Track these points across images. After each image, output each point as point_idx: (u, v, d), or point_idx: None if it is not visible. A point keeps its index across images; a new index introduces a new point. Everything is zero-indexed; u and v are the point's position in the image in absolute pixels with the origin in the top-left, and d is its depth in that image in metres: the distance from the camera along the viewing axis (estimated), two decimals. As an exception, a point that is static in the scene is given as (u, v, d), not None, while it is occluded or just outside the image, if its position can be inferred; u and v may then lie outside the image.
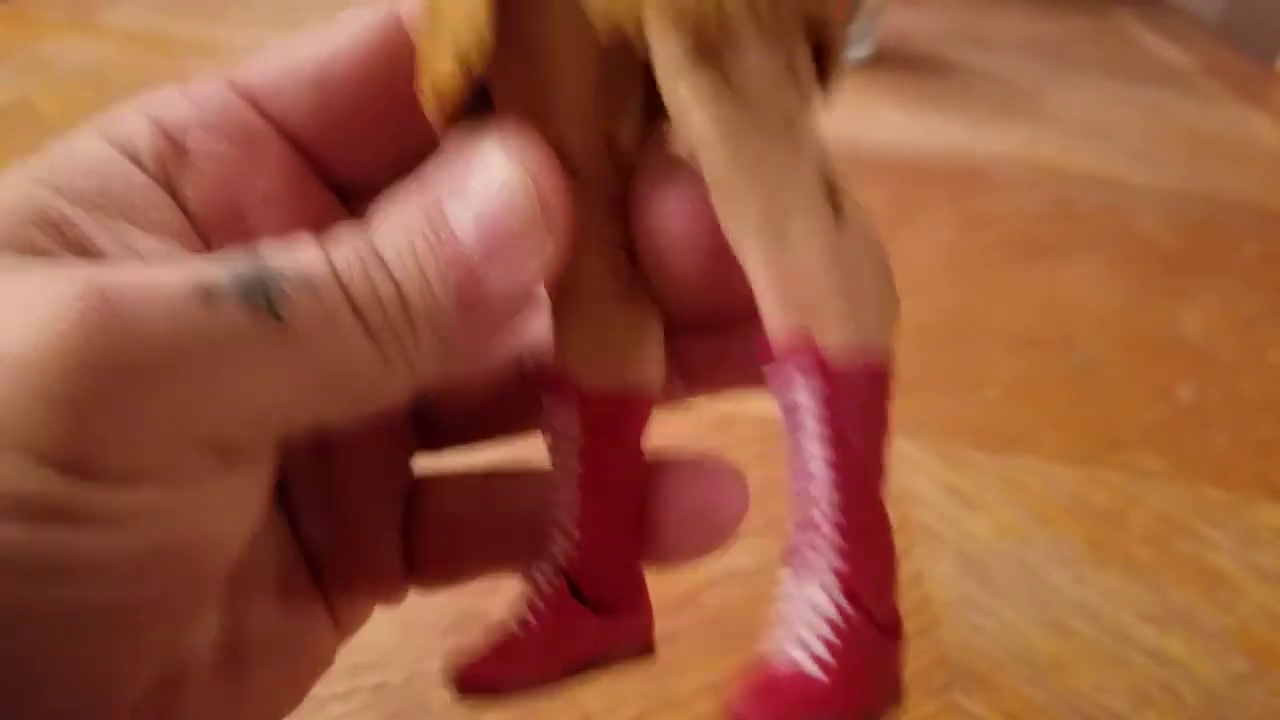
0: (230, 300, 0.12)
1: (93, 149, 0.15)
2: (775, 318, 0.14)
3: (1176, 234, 0.58)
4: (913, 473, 0.34)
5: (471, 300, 0.13)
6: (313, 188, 0.17)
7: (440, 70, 0.14)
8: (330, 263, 0.13)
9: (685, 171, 0.15)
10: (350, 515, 0.18)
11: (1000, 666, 0.28)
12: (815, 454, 0.14)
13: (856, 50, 0.79)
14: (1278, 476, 0.37)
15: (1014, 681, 0.27)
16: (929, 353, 0.41)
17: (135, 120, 0.16)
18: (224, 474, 0.13)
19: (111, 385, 0.12)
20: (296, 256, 0.13)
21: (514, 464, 0.19)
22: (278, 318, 0.12)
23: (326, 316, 0.13)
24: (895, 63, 0.80)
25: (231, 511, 0.14)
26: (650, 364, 0.16)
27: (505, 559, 0.18)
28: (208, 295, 0.12)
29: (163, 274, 0.12)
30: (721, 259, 0.15)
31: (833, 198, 0.14)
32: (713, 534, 0.17)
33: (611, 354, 0.16)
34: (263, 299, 0.12)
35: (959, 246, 0.51)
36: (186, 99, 0.16)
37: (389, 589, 0.18)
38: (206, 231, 0.16)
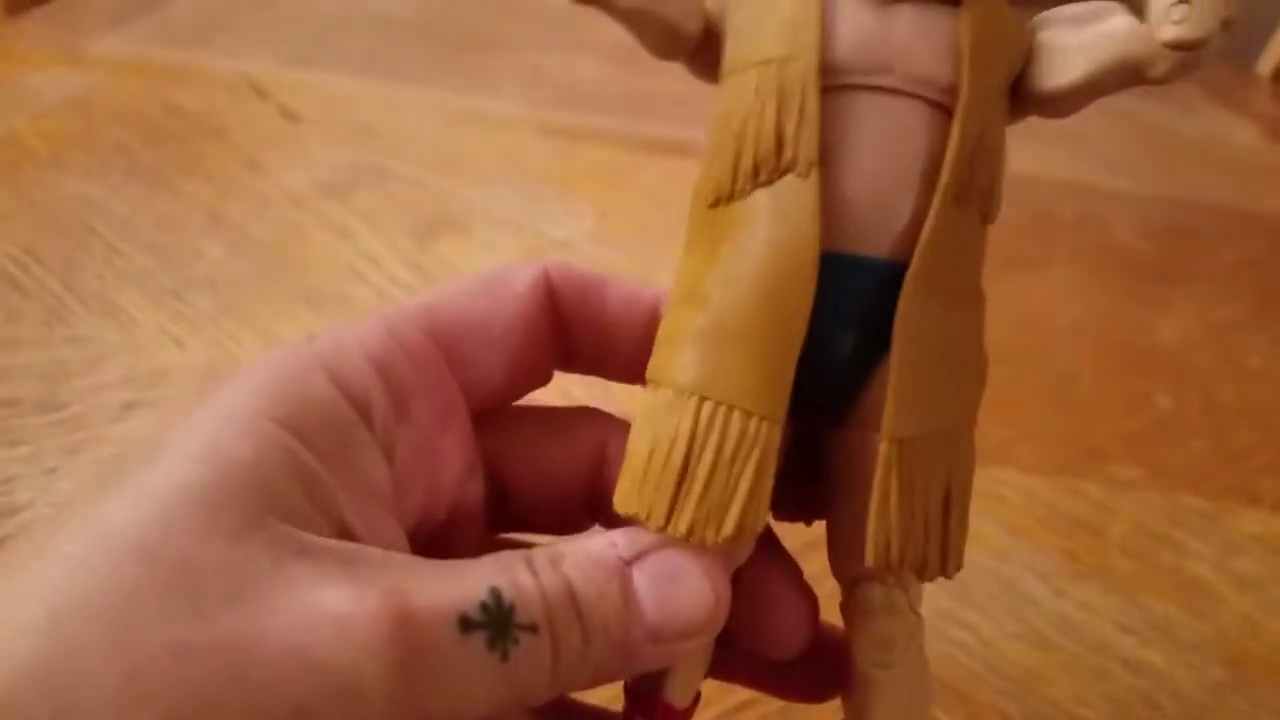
0: (480, 638, 0.15)
1: (328, 399, 0.17)
2: None
3: (1153, 240, 0.59)
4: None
5: (628, 662, 0.17)
6: (471, 439, 0.20)
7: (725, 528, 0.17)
8: (547, 606, 0.16)
9: (789, 562, 0.20)
10: None
11: (979, 680, 0.28)
12: None
13: None
14: (1256, 483, 0.38)
15: (992, 696, 0.28)
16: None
17: (365, 370, 0.17)
18: None
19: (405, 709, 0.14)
20: (522, 590, 0.15)
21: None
22: (505, 658, 0.15)
23: (537, 658, 0.15)
24: None
25: None
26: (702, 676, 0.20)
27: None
28: (466, 624, 0.15)
29: (437, 591, 0.15)
30: (812, 644, 0.20)
31: None
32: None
33: (696, 681, 0.19)
34: (500, 643, 0.15)
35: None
36: (405, 354, 0.18)
37: None
38: (403, 479, 0.18)
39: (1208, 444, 0.40)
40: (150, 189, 0.48)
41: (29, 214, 0.44)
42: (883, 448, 0.16)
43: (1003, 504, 0.35)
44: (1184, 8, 0.16)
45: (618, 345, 0.21)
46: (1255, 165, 0.75)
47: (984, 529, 0.33)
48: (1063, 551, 0.33)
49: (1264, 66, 1.06)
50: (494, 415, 0.21)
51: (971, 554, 0.32)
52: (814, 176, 0.16)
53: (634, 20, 0.17)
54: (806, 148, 0.16)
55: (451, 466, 0.19)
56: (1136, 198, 0.65)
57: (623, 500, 0.17)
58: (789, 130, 0.16)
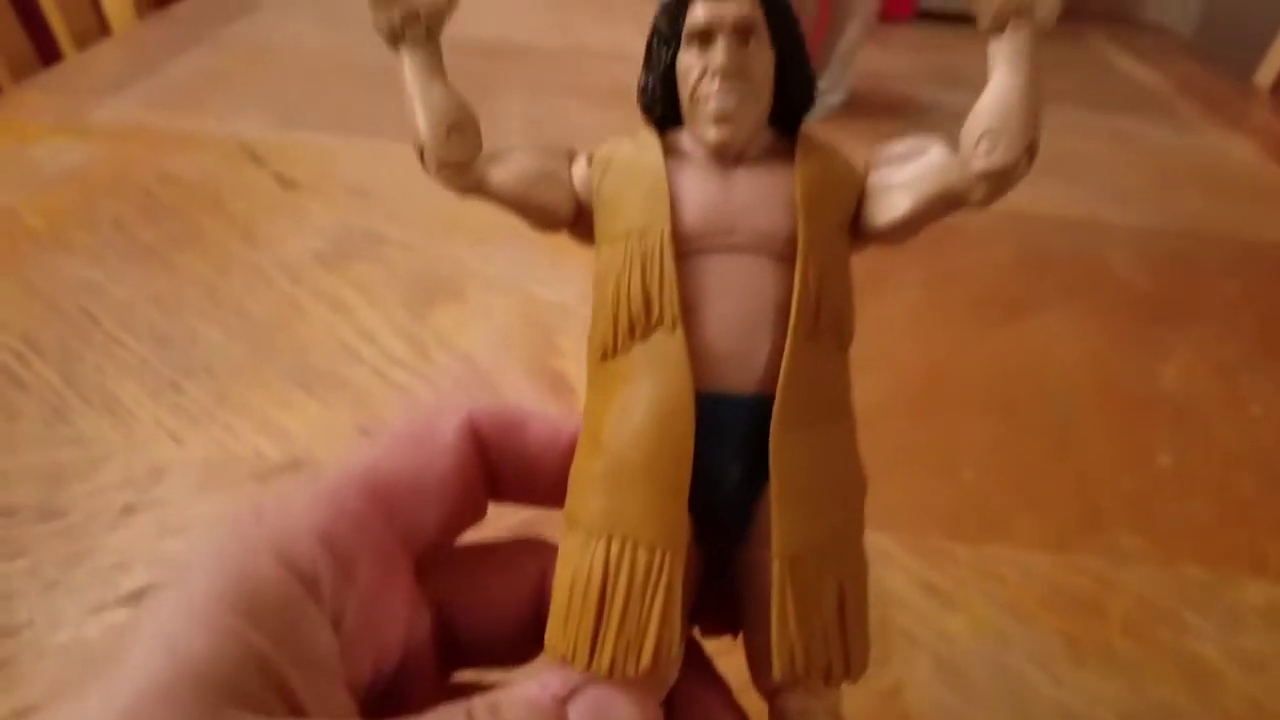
0: None
1: (277, 581, 0.18)
2: None
3: (1152, 275, 0.58)
4: (890, 570, 0.34)
5: None
6: (414, 589, 0.21)
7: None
8: None
9: (718, 681, 0.21)
10: None
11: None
12: None
13: (830, 98, 0.79)
14: (1261, 546, 0.37)
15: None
16: (898, 430, 0.42)
17: (312, 546, 0.19)
18: None
19: None
20: None
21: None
22: None
23: None
24: (868, 108, 0.81)
25: None
26: None
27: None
28: None
29: None
30: None
31: None
32: None
33: None
34: None
35: (927, 309, 0.52)
36: (348, 522, 0.20)
37: None
38: (349, 646, 0.19)
39: (1210, 502, 0.40)
40: (148, 267, 0.48)
41: (29, 300, 0.44)
42: (775, 566, 0.18)
43: (1003, 584, 0.34)
44: (991, 140, 0.18)
45: (540, 479, 0.22)
46: (1255, 186, 0.75)
47: (985, 613, 0.33)
48: (1063, 635, 0.32)
49: (1263, 79, 1.06)
50: (436, 559, 0.22)
51: (971, 641, 0.32)
52: (679, 331, 0.18)
53: (515, 205, 0.20)
54: (670, 306, 0.18)
55: (398, 621, 0.20)
56: (1133, 229, 0.65)
57: (550, 642, 0.19)
58: (654, 292, 0.18)
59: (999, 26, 0.18)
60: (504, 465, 0.23)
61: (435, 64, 0.19)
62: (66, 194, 0.54)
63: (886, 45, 0.81)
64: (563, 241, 0.21)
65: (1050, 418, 0.44)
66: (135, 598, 0.30)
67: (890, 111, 0.81)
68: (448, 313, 0.47)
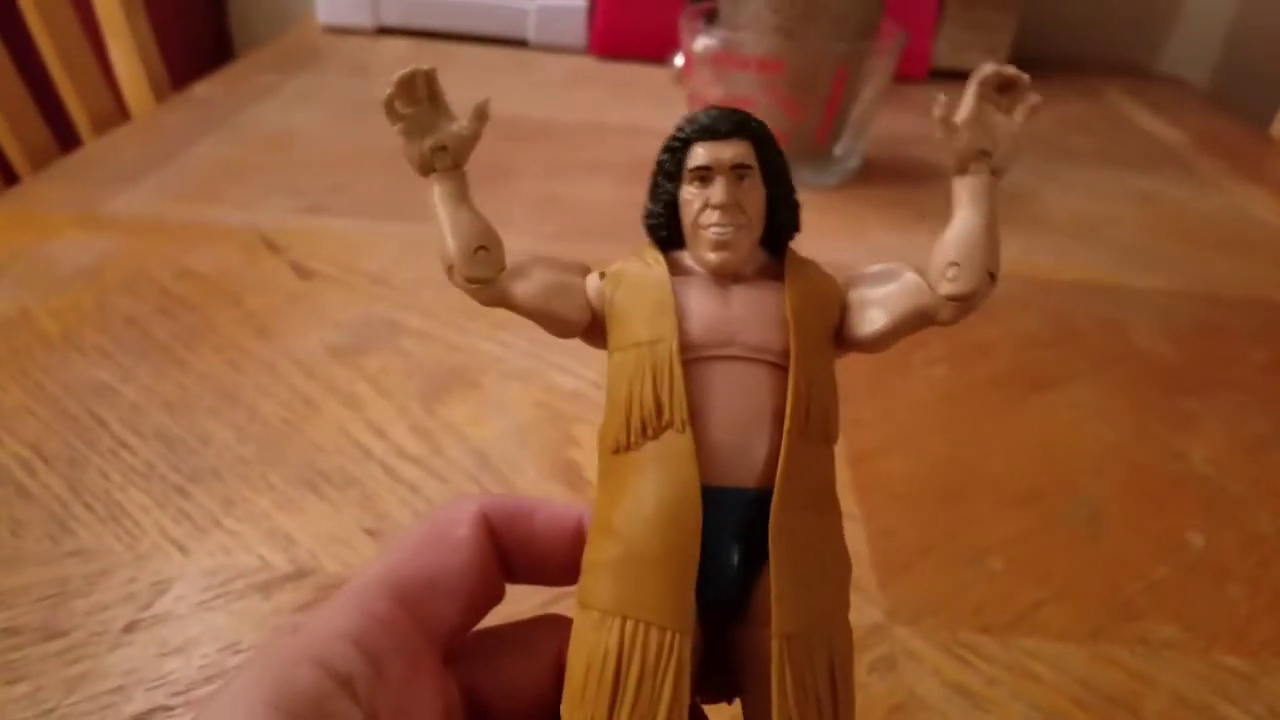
0: None
1: (313, 682, 0.19)
2: None
3: (1177, 344, 0.57)
4: (917, 672, 0.33)
5: None
6: (444, 677, 0.23)
7: None
8: None
9: None
10: None
11: None
12: None
13: (847, 163, 0.79)
14: (1299, 629, 0.36)
15: None
16: (925, 521, 0.40)
17: (346, 649, 0.20)
18: None
19: None
20: None
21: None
22: None
23: None
24: (884, 175, 0.80)
25: None
26: None
27: None
28: None
29: None
30: None
31: None
32: None
33: None
34: None
35: (953, 387, 0.51)
36: (377, 624, 0.21)
37: None
38: None
39: (1244, 587, 0.38)
40: (160, 366, 0.48)
41: (38, 407, 0.44)
42: (774, 644, 0.20)
43: (1037, 683, 0.33)
44: (956, 268, 0.20)
45: (549, 562, 0.25)
46: (1278, 244, 0.74)
47: (1018, 717, 0.32)
48: (1097, 739, 0.31)
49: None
50: (462, 645, 0.24)
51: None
52: (688, 431, 0.20)
53: (536, 315, 0.22)
54: (679, 410, 0.20)
55: (429, 710, 0.22)
56: (1158, 294, 0.64)
57: (568, 712, 0.20)
58: (664, 397, 0.20)
59: (962, 169, 0.21)
60: (514, 552, 0.25)
61: (462, 190, 0.22)
62: (81, 292, 0.55)
63: (901, 107, 0.81)
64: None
65: (1078, 504, 0.43)
66: (135, 722, 0.30)
67: (905, 176, 0.81)
68: (462, 406, 0.47)
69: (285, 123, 0.85)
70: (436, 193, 0.22)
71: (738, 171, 0.21)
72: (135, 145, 0.80)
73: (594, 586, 0.20)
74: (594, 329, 0.23)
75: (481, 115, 0.22)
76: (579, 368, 0.50)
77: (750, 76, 0.73)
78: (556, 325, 0.23)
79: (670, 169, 0.22)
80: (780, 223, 0.23)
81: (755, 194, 0.22)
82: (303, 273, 0.58)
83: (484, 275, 0.22)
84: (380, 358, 0.50)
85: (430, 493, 0.41)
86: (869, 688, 0.32)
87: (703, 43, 0.75)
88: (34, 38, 0.86)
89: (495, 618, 0.25)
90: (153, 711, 0.30)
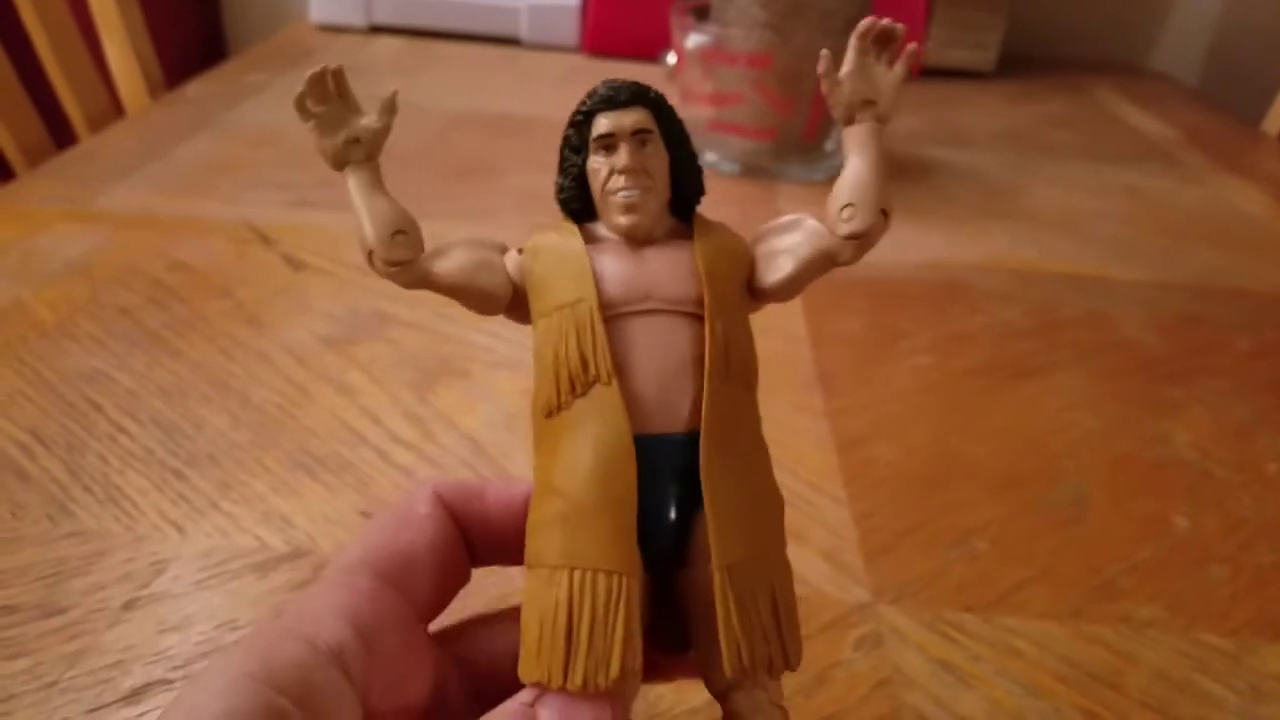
0: None
1: (298, 653, 0.20)
2: None
3: (1161, 334, 0.58)
4: (902, 648, 0.34)
5: None
6: (433, 649, 0.24)
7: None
8: None
9: None
10: None
11: None
12: None
13: (835, 159, 0.80)
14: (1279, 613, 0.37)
15: None
16: (910, 505, 0.41)
17: (331, 620, 0.21)
18: None
19: None
20: None
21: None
22: None
23: None
24: (874, 170, 0.81)
25: None
26: None
27: None
28: None
29: None
30: None
31: None
32: None
33: None
34: None
35: (938, 376, 0.51)
36: (364, 599, 0.22)
37: None
38: (381, 703, 0.21)
39: (1228, 568, 0.39)
40: (154, 355, 0.48)
41: (35, 393, 0.45)
42: (716, 575, 0.21)
43: (1019, 659, 0.34)
44: (851, 209, 0.22)
45: (506, 541, 0.25)
46: (1265, 238, 0.74)
47: (1001, 692, 0.32)
48: (1080, 710, 0.32)
49: (1271, 126, 1.06)
50: (460, 626, 0.26)
51: (987, 721, 0.31)
52: (614, 383, 0.21)
53: (458, 292, 0.23)
54: (604, 363, 0.21)
55: (422, 678, 0.23)
56: (1143, 286, 0.64)
57: (525, 671, 0.21)
58: (589, 352, 0.21)
59: (849, 119, 0.23)
60: (472, 530, 0.26)
61: (376, 180, 0.23)
62: (74, 284, 0.55)
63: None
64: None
65: (1062, 488, 0.43)
66: (134, 698, 0.30)
67: (895, 172, 0.81)
68: (452, 394, 0.47)
69: (275, 119, 0.85)
70: (352, 184, 0.23)
71: (639, 137, 0.23)
72: (127, 141, 0.80)
73: (540, 544, 0.21)
74: (516, 304, 0.24)
75: (390, 108, 0.23)
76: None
77: (740, 72, 0.74)
78: (480, 301, 0.23)
79: (576, 143, 0.24)
80: (686, 189, 0.24)
81: (658, 158, 0.23)
82: (294, 264, 0.59)
83: (403, 257, 0.23)
84: (371, 347, 0.51)
85: (424, 476, 0.41)
86: (854, 664, 0.33)
87: (693, 39, 0.75)
88: (30, 37, 0.86)
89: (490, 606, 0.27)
90: (151, 685, 0.30)
